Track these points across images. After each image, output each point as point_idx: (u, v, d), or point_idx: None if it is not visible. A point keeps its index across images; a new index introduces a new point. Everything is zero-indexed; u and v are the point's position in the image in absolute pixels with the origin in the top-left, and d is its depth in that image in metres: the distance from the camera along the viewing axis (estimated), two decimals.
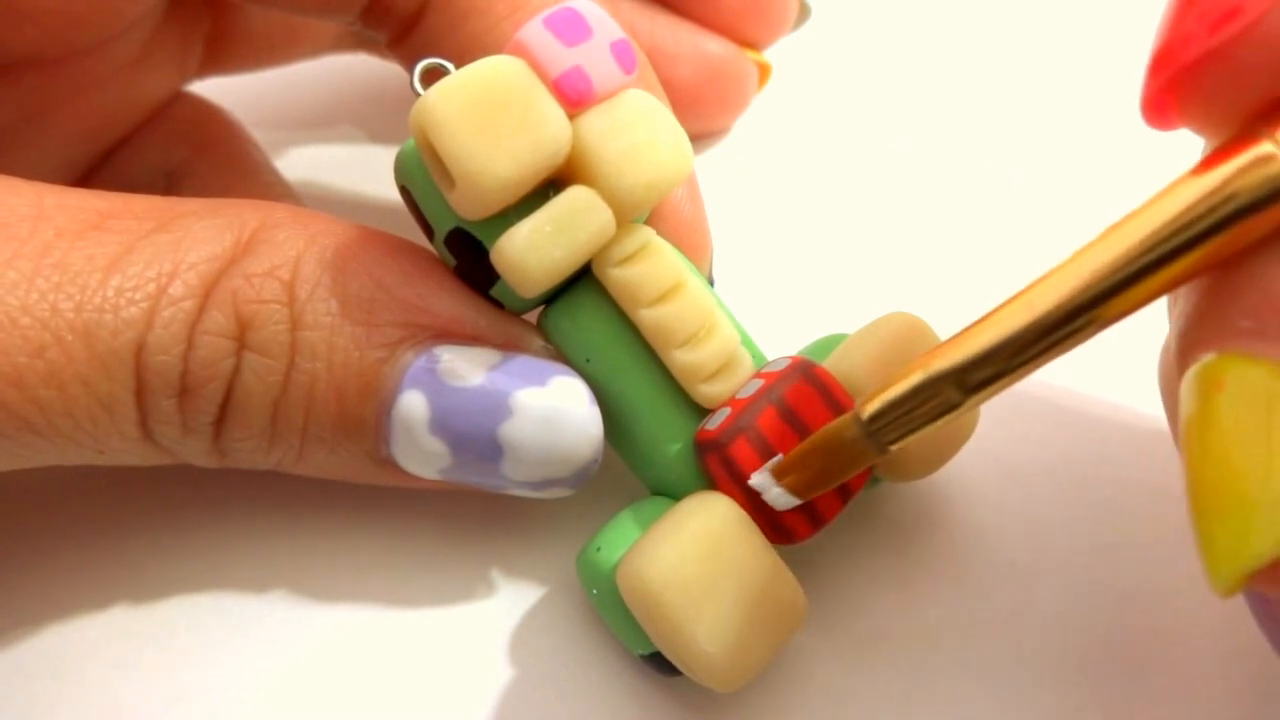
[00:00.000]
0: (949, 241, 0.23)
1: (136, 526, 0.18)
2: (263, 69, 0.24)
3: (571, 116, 0.14)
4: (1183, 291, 0.12)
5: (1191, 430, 0.11)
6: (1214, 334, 0.11)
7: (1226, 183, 0.11)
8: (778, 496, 0.14)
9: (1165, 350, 0.14)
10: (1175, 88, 0.12)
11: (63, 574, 0.17)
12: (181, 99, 0.23)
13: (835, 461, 0.14)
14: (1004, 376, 0.12)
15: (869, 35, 0.28)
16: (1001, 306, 0.12)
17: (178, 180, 0.22)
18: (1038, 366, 0.12)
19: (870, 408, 0.13)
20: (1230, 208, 0.11)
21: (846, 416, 0.13)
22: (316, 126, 0.27)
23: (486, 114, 0.13)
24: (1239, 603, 0.17)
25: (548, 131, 0.14)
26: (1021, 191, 0.24)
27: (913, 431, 0.13)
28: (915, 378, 0.13)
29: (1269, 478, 0.10)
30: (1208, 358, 0.11)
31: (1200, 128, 0.12)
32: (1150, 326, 0.18)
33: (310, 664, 0.16)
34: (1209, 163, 0.11)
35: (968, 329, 0.12)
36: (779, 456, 0.14)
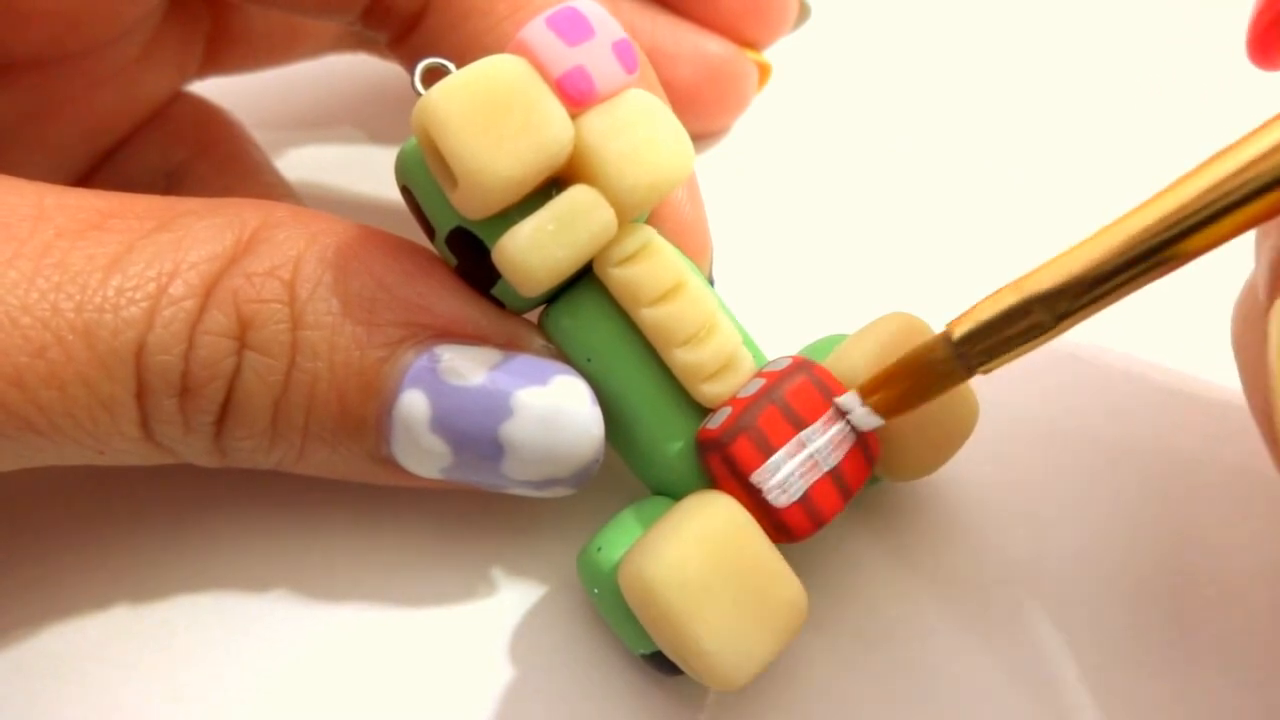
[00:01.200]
0: (949, 241, 0.23)
1: (136, 526, 0.18)
2: (263, 69, 0.24)
3: (573, 116, 0.14)
4: (1273, 227, 0.12)
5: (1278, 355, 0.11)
6: None
7: None
8: (863, 416, 0.14)
9: (1241, 300, 0.14)
10: None
11: (63, 574, 0.17)
12: (181, 99, 0.23)
13: (923, 382, 0.14)
14: (1096, 302, 0.12)
15: (869, 35, 0.28)
16: (1093, 236, 0.12)
17: (178, 180, 0.22)
18: (1128, 293, 0.12)
19: (961, 328, 0.13)
20: None
21: (937, 336, 0.13)
22: (316, 126, 0.27)
23: (489, 113, 0.13)
24: (1244, 601, 0.17)
25: (550, 131, 0.14)
26: (1021, 191, 0.24)
27: (1001, 354, 0.13)
28: (1008, 300, 0.13)
29: None
30: None
31: None
32: (1151, 327, 0.18)
33: (310, 664, 0.16)
34: None
35: (1059, 256, 0.12)
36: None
